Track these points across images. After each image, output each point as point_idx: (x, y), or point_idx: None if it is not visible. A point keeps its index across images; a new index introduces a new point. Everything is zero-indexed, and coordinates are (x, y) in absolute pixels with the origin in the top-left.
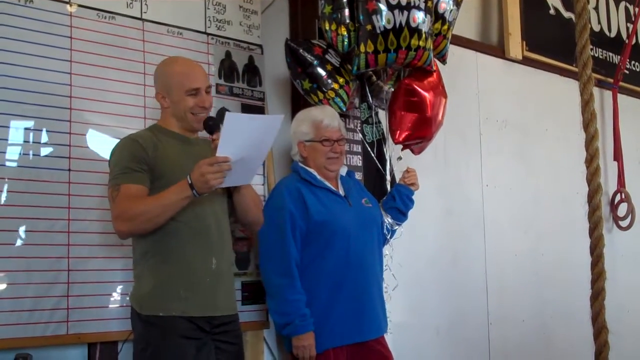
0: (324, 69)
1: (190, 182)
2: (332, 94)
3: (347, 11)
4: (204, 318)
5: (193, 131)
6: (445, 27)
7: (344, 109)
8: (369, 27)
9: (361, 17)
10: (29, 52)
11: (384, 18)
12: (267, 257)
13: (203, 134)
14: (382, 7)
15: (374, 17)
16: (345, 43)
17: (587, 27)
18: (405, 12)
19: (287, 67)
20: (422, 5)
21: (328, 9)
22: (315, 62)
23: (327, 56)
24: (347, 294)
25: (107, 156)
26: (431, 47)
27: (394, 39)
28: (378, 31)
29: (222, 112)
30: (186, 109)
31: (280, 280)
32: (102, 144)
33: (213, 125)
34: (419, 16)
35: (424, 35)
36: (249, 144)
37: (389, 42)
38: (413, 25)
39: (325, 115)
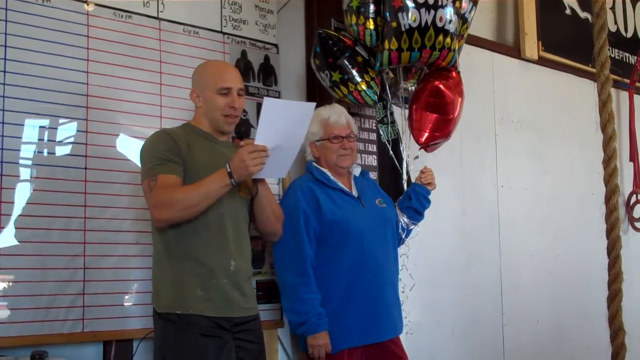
0: (356, 60)
1: (229, 170)
2: (364, 86)
3: (372, 6)
4: (223, 317)
5: (222, 132)
6: (465, 27)
7: (377, 100)
8: (394, 24)
9: (387, 14)
10: (45, 50)
11: (410, 16)
12: (281, 257)
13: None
14: (409, 4)
15: (399, 14)
16: (373, 37)
17: (605, 27)
18: (432, 11)
19: (314, 57)
20: (450, 5)
21: (355, 3)
22: (347, 53)
23: (357, 48)
24: (361, 295)
25: (123, 154)
26: (456, 48)
27: (418, 38)
28: (403, 29)
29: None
30: (216, 108)
31: (295, 279)
32: (118, 142)
33: (245, 131)
34: (445, 16)
35: (449, 36)
36: (283, 131)
37: (414, 41)
38: (439, 24)
39: (332, 113)
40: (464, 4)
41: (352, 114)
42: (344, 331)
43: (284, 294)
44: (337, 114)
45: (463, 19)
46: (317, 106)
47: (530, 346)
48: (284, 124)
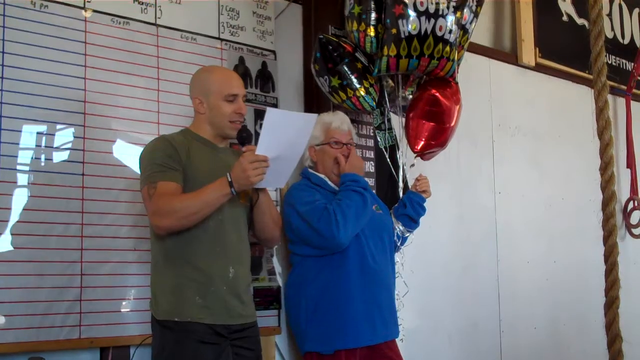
0: (355, 66)
1: (230, 179)
2: (362, 92)
3: (374, 13)
4: (221, 325)
5: (224, 138)
6: (465, 37)
7: (375, 107)
8: (394, 30)
9: (388, 21)
10: (43, 56)
11: (410, 23)
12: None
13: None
14: (410, 12)
15: (400, 21)
16: (373, 44)
17: (602, 34)
18: (432, 20)
19: (314, 62)
20: (451, 16)
21: (357, 9)
22: (347, 59)
23: (357, 54)
24: (358, 298)
25: (121, 161)
26: (455, 58)
27: (417, 46)
28: (402, 36)
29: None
30: (224, 114)
31: (308, 207)
32: (116, 148)
33: (246, 137)
34: (445, 25)
35: (449, 45)
36: (285, 142)
37: (412, 48)
38: (439, 33)
39: (335, 119)
40: (465, 15)
41: (351, 120)
42: (342, 332)
43: (328, 225)
44: (339, 120)
45: (464, 30)
46: (316, 113)
47: (527, 353)
48: (286, 135)
